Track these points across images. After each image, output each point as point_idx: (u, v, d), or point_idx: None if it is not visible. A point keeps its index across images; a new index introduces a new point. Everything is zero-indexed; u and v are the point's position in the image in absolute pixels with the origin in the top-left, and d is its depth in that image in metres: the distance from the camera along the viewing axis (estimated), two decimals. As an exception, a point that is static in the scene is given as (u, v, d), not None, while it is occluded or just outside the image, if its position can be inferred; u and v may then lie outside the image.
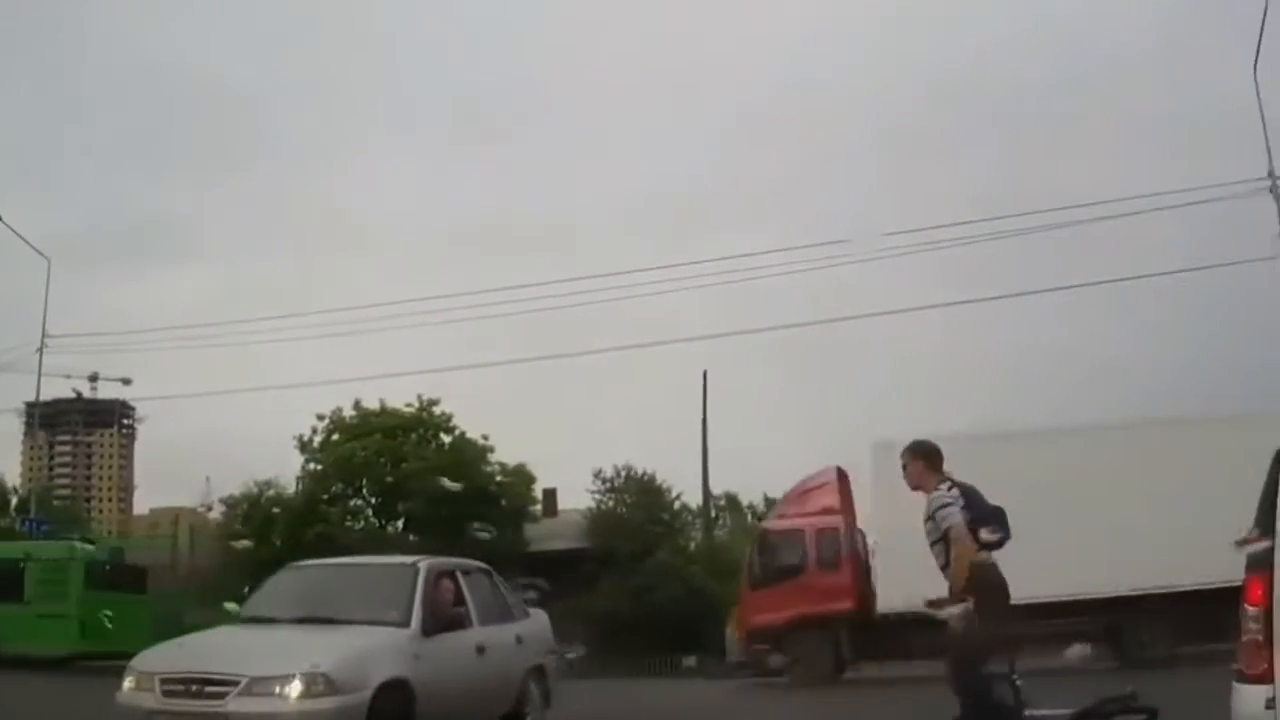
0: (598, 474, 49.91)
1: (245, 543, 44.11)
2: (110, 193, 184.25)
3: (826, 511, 26.66)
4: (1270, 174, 32.24)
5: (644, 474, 49.53)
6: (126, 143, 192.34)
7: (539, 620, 15.08)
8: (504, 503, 45.84)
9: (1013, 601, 10.64)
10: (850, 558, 25.93)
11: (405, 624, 11.66)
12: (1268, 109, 32.44)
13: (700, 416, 49.91)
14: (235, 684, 10.06)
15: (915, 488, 10.47)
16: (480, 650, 12.57)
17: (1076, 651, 49.41)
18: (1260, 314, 72.23)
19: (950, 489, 10.22)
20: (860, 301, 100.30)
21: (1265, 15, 30.88)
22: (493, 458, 46.57)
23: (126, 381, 63.12)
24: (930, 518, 10.21)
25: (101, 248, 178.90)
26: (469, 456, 45.85)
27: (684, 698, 25.68)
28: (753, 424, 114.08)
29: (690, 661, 42.32)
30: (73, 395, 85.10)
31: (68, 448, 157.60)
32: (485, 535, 41.04)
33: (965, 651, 10.03)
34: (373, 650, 11.03)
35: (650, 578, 42.97)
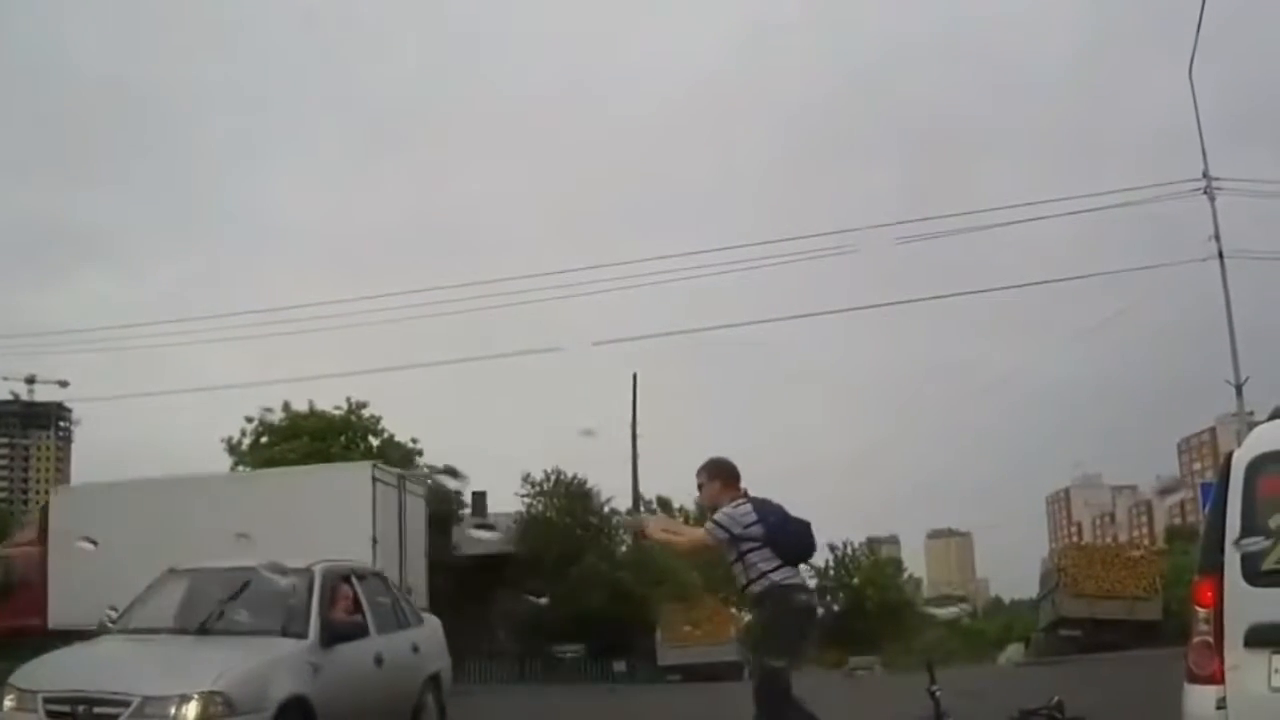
0: (526, 477, 49.19)
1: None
2: (32, 198, 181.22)
3: (30, 542, 31.67)
4: (1205, 175, 32.37)
5: (573, 477, 49.24)
6: (43, 147, 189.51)
7: (432, 626, 14.60)
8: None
9: None
10: (42, 581, 28.38)
11: (303, 635, 11.14)
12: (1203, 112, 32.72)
13: (630, 418, 50.19)
14: (126, 705, 9.48)
15: (711, 507, 10.42)
16: (379, 661, 12.10)
17: (1011, 651, 49.67)
18: (1193, 317, 73.00)
19: (740, 505, 10.12)
20: (788, 304, 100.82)
21: (1201, 17, 31.16)
22: (421, 461, 46.18)
23: (63, 384, 62.49)
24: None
25: (27, 252, 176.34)
26: (396, 459, 45.49)
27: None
28: (685, 426, 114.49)
29: (620, 667, 42.23)
30: (9, 398, 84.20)
31: (5, 450, 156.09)
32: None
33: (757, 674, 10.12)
34: (272, 666, 10.52)
35: (578, 582, 42.54)
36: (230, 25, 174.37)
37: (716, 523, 10.06)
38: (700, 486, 10.53)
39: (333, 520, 24.40)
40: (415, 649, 13.40)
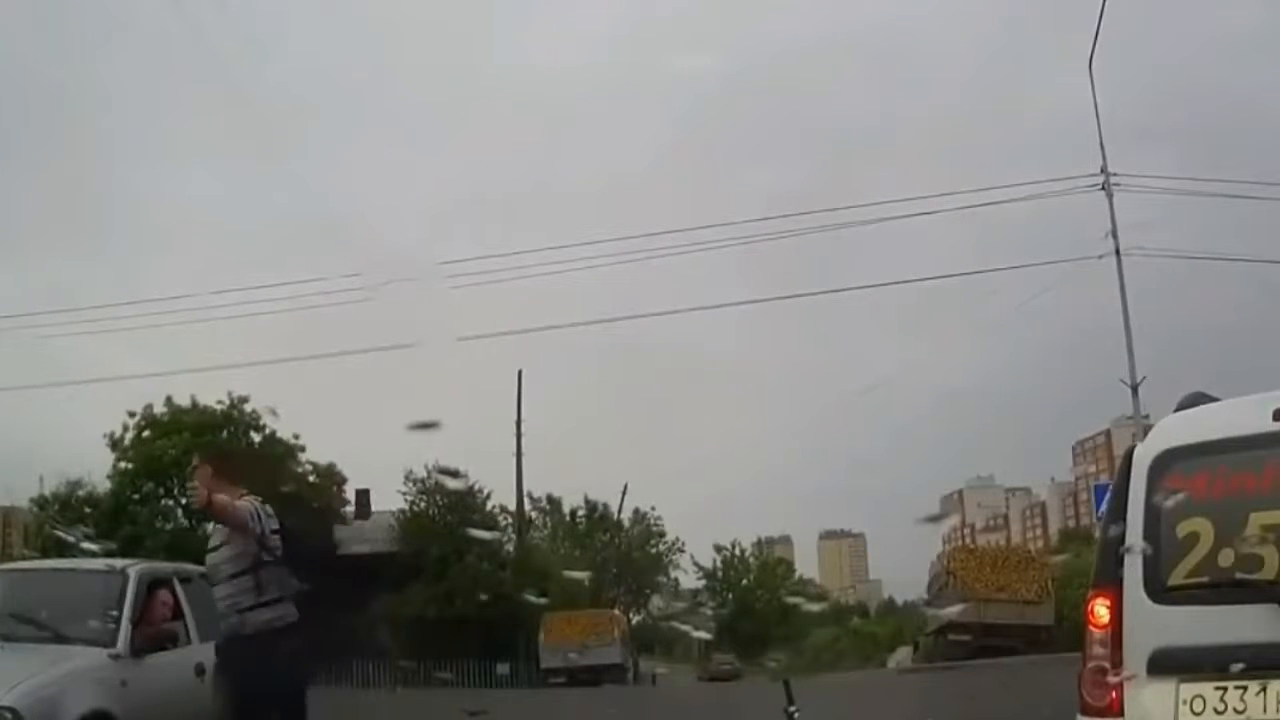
0: (409, 474, 48.63)
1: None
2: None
3: None
4: (1103, 170, 32.24)
5: (456, 474, 48.70)
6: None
7: None
8: (315, 504, 44.58)
9: None
10: None
11: (110, 643, 10.29)
12: (1101, 108, 32.57)
13: (516, 415, 49.98)
14: None
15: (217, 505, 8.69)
16: (200, 672, 11.05)
17: (900, 655, 49.63)
18: (1090, 316, 73.41)
19: (266, 506, 8.90)
20: (672, 299, 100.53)
21: (1103, 10, 31.05)
22: (303, 457, 45.42)
23: (-44, 378, 60.89)
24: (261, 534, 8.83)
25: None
26: (278, 455, 44.59)
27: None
28: (575, 425, 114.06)
29: (504, 669, 41.66)
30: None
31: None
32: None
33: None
34: (70, 677, 9.69)
35: (458, 583, 41.91)
36: (117, 15, 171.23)
37: (257, 511, 8.73)
38: (215, 473, 8.82)
39: None
40: None
